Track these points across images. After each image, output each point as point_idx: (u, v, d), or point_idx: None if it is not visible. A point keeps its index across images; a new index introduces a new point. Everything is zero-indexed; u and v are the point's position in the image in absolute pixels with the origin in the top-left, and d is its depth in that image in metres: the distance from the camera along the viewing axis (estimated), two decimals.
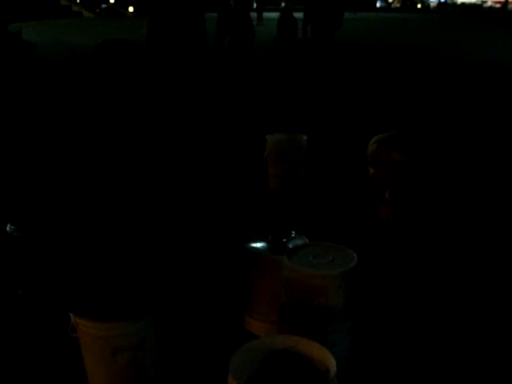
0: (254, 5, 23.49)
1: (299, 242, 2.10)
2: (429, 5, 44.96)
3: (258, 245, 2.14)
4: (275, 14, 8.25)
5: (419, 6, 44.15)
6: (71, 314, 1.72)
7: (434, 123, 4.70)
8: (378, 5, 45.14)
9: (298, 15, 6.48)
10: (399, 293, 1.99)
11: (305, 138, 3.57)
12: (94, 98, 2.10)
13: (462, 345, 2.01)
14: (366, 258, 1.88)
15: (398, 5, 46.34)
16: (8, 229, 2.14)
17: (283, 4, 24.26)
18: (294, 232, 2.18)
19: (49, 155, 2.16)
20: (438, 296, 2.22)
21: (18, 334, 2.04)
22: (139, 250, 2.12)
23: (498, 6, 38.53)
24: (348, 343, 1.79)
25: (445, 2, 42.96)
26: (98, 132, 2.09)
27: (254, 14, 9.52)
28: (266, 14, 21.41)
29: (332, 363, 1.33)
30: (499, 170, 3.77)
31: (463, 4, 42.74)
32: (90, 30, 12.04)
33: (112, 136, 2.17)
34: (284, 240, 2.14)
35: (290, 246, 2.06)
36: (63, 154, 2.10)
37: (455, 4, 43.72)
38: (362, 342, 1.90)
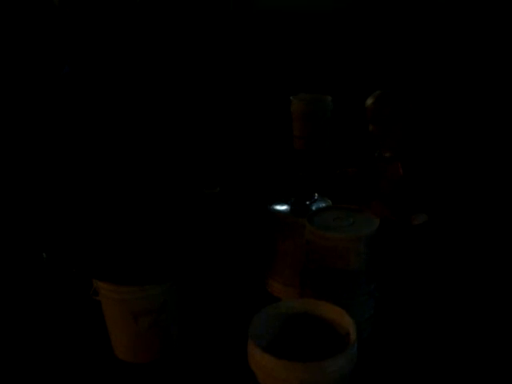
0: None
1: (322, 204, 2.07)
2: None
3: (281, 207, 2.11)
4: None
5: None
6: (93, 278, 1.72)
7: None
8: None
9: None
10: (421, 249, 1.95)
11: (330, 98, 3.49)
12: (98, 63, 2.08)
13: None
14: (386, 219, 1.85)
15: None
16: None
17: None
18: (317, 194, 2.14)
19: (58, 121, 2.15)
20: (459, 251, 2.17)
21: (42, 297, 2.07)
22: (160, 215, 2.11)
23: None
24: (370, 307, 1.77)
25: None
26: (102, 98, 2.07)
27: None
28: None
29: (352, 326, 1.31)
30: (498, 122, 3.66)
31: None
32: None
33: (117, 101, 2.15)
34: (307, 202, 2.11)
35: (313, 208, 2.02)
36: (72, 120, 2.10)
37: None
38: (385, 305, 1.88)
